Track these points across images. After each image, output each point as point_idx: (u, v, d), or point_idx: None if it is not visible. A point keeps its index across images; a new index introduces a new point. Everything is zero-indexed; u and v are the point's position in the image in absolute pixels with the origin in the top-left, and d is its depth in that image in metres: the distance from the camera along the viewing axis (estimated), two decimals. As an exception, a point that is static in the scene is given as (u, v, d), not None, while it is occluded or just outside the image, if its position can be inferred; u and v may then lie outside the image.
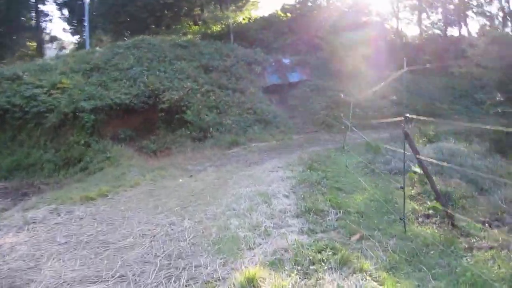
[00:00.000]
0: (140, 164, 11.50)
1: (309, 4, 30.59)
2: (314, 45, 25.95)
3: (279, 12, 30.45)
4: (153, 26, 28.35)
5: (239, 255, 4.13)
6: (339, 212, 5.37)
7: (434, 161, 5.46)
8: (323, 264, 3.73)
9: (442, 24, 36.00)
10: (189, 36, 24.62)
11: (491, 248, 4.06)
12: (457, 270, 3.60)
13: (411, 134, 13.85)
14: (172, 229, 5.09)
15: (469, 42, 25.26)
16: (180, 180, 8.35)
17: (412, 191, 6.42)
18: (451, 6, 35.55)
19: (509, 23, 35.60)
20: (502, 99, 17.04)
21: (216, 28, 28.32)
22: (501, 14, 35.79)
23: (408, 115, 4.90)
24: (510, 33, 29.41)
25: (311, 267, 3.69)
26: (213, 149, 13.73)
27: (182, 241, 4.67)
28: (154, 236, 4.87)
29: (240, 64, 21.04)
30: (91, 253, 4.44)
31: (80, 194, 7.17)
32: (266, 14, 30.89)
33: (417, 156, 4.97)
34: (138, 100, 15.87)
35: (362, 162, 9.06)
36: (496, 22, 36.49)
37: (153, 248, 4.48)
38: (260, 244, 4.41)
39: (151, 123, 16.06)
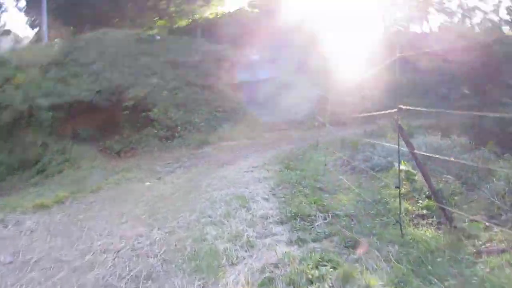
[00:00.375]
0: (103, 165, 10.75)
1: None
2: (283, 41, 25.64)
3: (246, 8, 29.94)
4: (117, 20, 27.10)
5: (221, 274, 3.59)
6: (328, 216, 4.94)
7: (431, 155, 5.15)
8: (322, 282, 3.21)
9: (405, 21, 36.64)
10: (155, 31, 23.68)
11: (502, 251, 3.71)
12: (473, 280, 3.21)
13: (386, 129, 13.78)
14: (139, 242, 4.49)
15: (434, 38, 25.64)
16: (148, 183, 7.73)
17: (402, 190, 6.12)
18: (414, 3, 36.21)
19: (467, 20, 36.92)
20: (467, 92, 17.37)
21: (183, 23, 27.44)
22: (460, 10, 37.05)
23: (402, 106, 4.49)
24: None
25: (310, 288, 3.19)
26: (181, 148, 13.12)
27: (151, 257, 4.08)
28: (118, 251, 4.26)
29: (209, 60, 20.39)
30: (41, 275, 3.79)
31: (34, 201, 6.43)
32: (232, 10, 30.29)
33: (413, 151, 4.61)
34: (101, 97, 14.97)
35: (340, 159, 8.76)
36: (456, 19, 37.71)
37: (116, 267, 3.88)
38: (244, 258, 3.87)
39: (115, 121, 15.19)
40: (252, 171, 8.10)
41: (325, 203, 5.42)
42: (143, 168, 9.62)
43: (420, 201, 5.33)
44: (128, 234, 4.71)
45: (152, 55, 18.79)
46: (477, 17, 37.47)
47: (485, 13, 35.77)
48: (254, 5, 30.22)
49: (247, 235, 4.40)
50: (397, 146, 4.94)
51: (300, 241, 4.18)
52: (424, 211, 5.02)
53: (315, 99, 21.29)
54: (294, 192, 6.11)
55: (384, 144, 7.57)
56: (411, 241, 4.03)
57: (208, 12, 29.48)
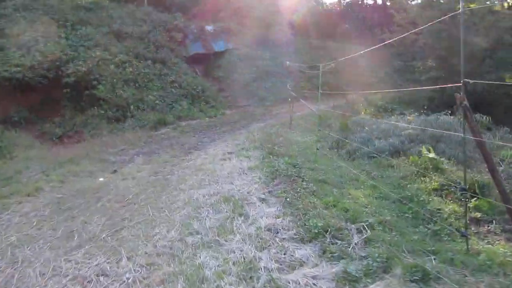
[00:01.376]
0: (43, 155, 8.90)
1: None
2: (238, 11, 24.01)
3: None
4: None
5: None
6: (361, 228, 3.62)
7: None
8: None
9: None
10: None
11: None
12: None
13: (355, 104, 12.91)
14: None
15: (398, 8, 25.14)
16: (101, 179, 6.15)
17: (433, 183, 5.17)
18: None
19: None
20: (433, 64, 17.00)
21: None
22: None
23: (469, 80, 3.38)
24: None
25: None
26: (135, 131, 11.48)
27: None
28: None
29: (159, 31, 18.39)
30: None
31: None
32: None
33: (480, 139, 3.47)
34: (34, 73, 12.69)
35: (326, 140, 7.73)
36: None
37: None
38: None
39: (53, 101, 13.08)
40: (229, 158, 6.81)
41: (346, 206, 4.18)
42: (93, 158, 7.95)
43: (462, 198, 4.25)
44: (84, 272, 3.15)
45: (92, 24, 16.48)
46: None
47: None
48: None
49: (263, 267, 3.02)
50: (392, 123, 3.90)
51: (349, 280, 2.81)
52: (478, 214, 4.00)
53: (278, 73, 20.13)
54: (295, 188, 4.87)
55: (385, 122, 6.59)
56: (489, 265, 2.96)
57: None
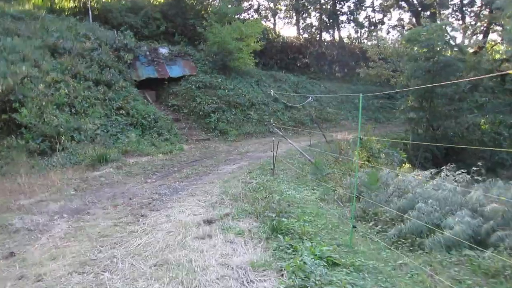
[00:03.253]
0: None
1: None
2: (196, 36, 21.96)
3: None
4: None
5: None
6: None
7: None
8: None
9: (317, 28, 35.82)
10: (28, 7, 17.95)
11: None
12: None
13: (341, 145, 10.99)
14: None
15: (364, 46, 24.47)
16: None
17: None
18: (325, 12, 35.60)
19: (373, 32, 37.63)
20: (415, 105, 15.78)
21: (68, 3, 21.84)
22: (367, 23, 37.66)
23: None
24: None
25: None
26: (66, 170, 8.62)
27: None
28: None
29: (105, 49, 15.72)
30: None
31: None
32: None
33: None
34: None
35: (333, 199, 5.55)
36: (363, 30, 38.30)
37: None
38: None
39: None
40: (210, 235, 4.26)
41: None
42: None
43: None
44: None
45: (21, 36, 13.53)
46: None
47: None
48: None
49: None
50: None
51: None
52: None
53: (240, 105, 18.04)
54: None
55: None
56: None
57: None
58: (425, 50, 14.67)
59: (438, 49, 14.46)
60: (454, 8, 36.18)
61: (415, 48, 15.57)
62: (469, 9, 35.09)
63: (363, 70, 18.11)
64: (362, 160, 9.44)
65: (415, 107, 15.51)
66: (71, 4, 21.71)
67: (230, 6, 23.12)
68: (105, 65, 14.70)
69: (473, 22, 31.45)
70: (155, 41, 20.78)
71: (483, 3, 29.48)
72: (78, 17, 18.58)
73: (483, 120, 17.86)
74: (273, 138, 8.42)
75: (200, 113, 16.58)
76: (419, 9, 35.88)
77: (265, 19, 33.40)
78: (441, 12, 36.42)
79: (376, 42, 25.92)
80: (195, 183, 7.28)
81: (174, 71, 18.58)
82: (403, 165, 10.30)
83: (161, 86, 17.98)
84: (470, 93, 15.79)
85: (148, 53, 18.69)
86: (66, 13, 19.21)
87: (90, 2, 20.61)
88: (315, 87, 27.37)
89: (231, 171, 8.61)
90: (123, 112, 13.00)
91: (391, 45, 16.33)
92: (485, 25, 28.20)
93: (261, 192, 6.13)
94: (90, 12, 19.60)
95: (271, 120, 8.93)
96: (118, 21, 20.89)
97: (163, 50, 19.41)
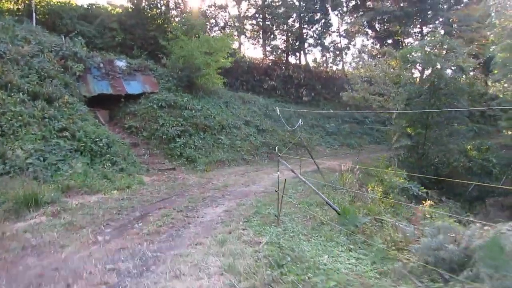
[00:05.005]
0: None
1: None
2: (158, 49, 19.53)
3: (106, 5, 22.73)
4: None
5: None
6: None
7: None
8: None
9: (283, 51, 34.58)
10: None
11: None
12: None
13: (344, 175, 8.90)
14: None
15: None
16: None
17: None
18: (292, 34, 34.55)
19: (339, 57, 37.04)
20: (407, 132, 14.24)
21: (9, 4, 18.66)
22: (332, 48, 36.96)
23: None
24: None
25: None
26: (-26, 219, 5.85)
27: None
28: None
29: (48, 57, 12.94)
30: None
31: None
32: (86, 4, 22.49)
33: None
34: None
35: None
36: (328, 55, 37.55)
37: None
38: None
39: None
40: None
41: None
42: None
43: None
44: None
45: None
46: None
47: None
48: (115, 4, 23.18)
49: None
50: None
51: None
52: None
53: (210, 127, 15.73)
54: None
55: None
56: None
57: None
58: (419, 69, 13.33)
59: (436, 68, 13.14)
60: (415, 37, 36.63)
61: (408, 67, 14.27)
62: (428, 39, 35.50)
63: (347, 93, 16.59)
64: (377, 193, 7.46)
65: (408, 133, 14.01)
66: (12, 6, 18.58)
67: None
68: (46, 75, 11.94)
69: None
70: (112, 52, 18.12)
71: (443, 32, 29.70)
72: (18, 17, 15.63)
73: (469, 146, 16.77)
74: (278, 172, 6.13)
75: (163, 136, 14.02)
76: (383, 36, 35.95)
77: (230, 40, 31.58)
78: (404, 39, 36.75)
79: (354, 64, 24.62)
80: (173, 245, 4.82)
81: (133, 87, 16.00)
82: (424, 202, 8.44)
83: (117, 104, 15.29)
84: (468, 118, 14.62)
85: (102, 65, 16.00)
86: (5, 16, 16.11)
87: (35, 3, 17.63)
88: (283, 111, 25.60)
89: (219, 219, 6.22)
90: (67, 134, 10.23)
91: (379, 67, 14.89)
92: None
93: (289, 268, 3.86)
94: (34, 14, 16.67)
95: (276, 149, 6.61)
96: (68, 28, 18.07)
97: (120, 63, 16.79)
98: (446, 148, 13.88)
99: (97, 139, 10.88)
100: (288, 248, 4.55)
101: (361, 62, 19.28)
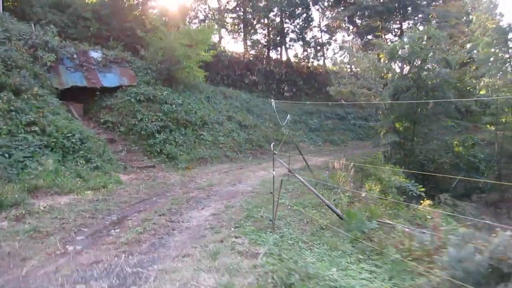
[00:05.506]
0: None
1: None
2: (136, 41, 18.62)
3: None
4: None
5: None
6: None
7: None
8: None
9: (264, 45, 34.03)
10: None
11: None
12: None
13: (336, 173, 8.39)
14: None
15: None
16: None
17: None
18: (273, 28, 34.04)
19: (320, 52, 36.64)
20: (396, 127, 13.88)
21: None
22: (313, 43, 36.55)
23: None
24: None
25: None
26: None
27: None
28: None
29: (16, 45, 11.95)
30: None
31: None
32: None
33: None
34: None
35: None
36: (309, 50, 37.09)
37: None
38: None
39: None
40: None
41: None
42: None
43: None
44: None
45: None
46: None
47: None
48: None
49: None
50: None
51: None
52: None
53: (191, 123, 15.05)
54: None
55: None
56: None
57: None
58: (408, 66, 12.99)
59: (421, 63, 12.81)
60: (394, 33, 36.59)
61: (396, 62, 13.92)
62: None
63: (334, 88, 16.15)
64: (375, 191, 6.99)
65: (395, 128, 13.64)
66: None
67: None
68: (14, 65, 10.98)
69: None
70: (87, 42, 17.12)
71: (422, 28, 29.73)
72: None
73: (455, 142, 16.61)
74: (273, 171, 5.55)
75: (142, 132, 13.25)
76: (364, 31, 35.75)
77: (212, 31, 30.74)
78: (385, 35, 36.66)
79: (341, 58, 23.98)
80: (157, 258, 4.18)
81: (109, 80, 15.11)
82: (422, 202, 8.00)
83: (92, 98, 14.38)
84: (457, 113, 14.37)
85: (75, 55, 15.02)
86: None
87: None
88: (266, 105, 25.06)
89: (207, 224, 5.60)
90: (36, 129, 9.37)
91: (368, 58, 14.46)
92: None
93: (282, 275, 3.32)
94: (1, 1, 15.49)
95: (271, 146, 6.01)
96: (39, 16, 16.98)
97: (96, 54, 15.84)
98: (434, 143, 13.63)
99: (69, 135, 10.06)
100: (290, 260, 3.99)
101: (348, 55, 18.63)
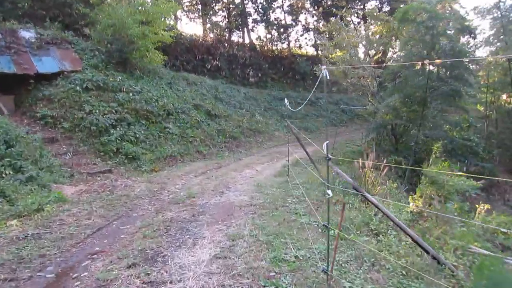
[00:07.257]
0: None
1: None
2: (79, 19, 15.54)
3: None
4: None
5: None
6: None
7: None
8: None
9: (225, 27, 31.50)
10: None
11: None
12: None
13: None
14: None
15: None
16: None
17: None
18: (234, 9, 31.53)
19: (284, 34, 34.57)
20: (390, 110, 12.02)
21: None
22: (276, 25, 34.45)
23: None
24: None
25: None
26: None
27: None
28: None
29: None
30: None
31: None
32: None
33: None
34: None
35: None
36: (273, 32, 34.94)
37: None
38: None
39: None
40: None
41: None
42: None
43: None
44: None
45: None
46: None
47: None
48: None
49: None
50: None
51: None
52: None
53: (153, 114, 12.52)
54: None
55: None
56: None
57: None
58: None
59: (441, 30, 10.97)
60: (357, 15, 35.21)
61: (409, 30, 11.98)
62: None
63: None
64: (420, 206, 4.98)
65: (398, 112, 11.77)
66: None
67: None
68: None
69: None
70: (16, 19, 13.88)
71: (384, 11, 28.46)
72: None
73: (447, 126, 15.10)
74: (327, 193, 3.32)
75: (92, 128, 10.52)
76: (328, 12, 34.08)
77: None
78: (347, 17, 35.20)
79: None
80: None
81: (46, 64, 12.13)
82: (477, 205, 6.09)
83: (25, 87, 11.40)
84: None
85: (1, 36, 11.92)
86: None
87: None
88: (234, 92, 22.73)
89: (214, 285, 3.31)
90: None
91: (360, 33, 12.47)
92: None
93: None
94: None
95: (324, 145, 3.57)
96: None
97: (28, 34, 12.74)
98: (441, 129, 11.95)
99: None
100: None
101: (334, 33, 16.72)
